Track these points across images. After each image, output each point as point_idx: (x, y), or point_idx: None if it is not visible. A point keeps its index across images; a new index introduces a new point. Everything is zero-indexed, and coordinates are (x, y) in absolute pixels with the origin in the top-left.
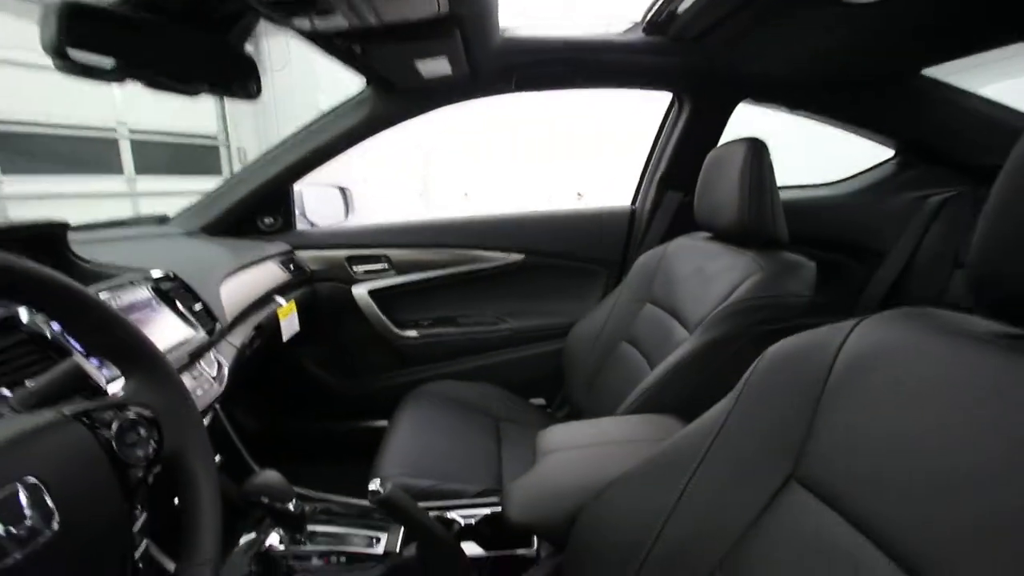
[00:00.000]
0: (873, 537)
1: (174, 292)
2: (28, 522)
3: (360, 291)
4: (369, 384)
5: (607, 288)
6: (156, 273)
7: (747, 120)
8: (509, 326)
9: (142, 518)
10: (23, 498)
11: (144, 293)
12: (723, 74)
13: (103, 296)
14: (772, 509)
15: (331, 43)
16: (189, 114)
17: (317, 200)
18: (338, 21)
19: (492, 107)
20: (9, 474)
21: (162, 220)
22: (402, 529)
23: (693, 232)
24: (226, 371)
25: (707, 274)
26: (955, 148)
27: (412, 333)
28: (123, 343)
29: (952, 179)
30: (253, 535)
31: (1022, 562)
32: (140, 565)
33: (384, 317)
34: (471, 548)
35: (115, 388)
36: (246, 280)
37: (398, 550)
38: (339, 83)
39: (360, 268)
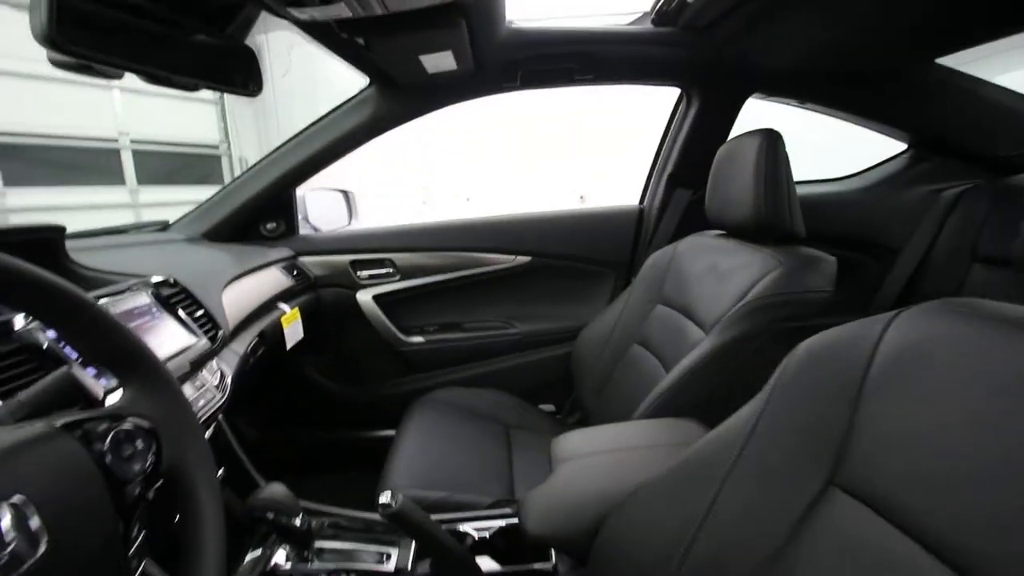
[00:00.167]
0: (922, 539)
1: (175, 299)
2: (11, 547)
3: (365, 296)
4: (375, 392)
5: (616, 290)
6: (156, 279)
7: (753, 122)
8: (517, 330)
9: (140, 537)
10: (6, 520)
11: (144, 299)
12: (733, 66)
13: (102, 303)
14: (812, 515)
15: (333, 37)
16: (191, 124)
17: (320, 205)
18: (340, 10)
19: (490, 105)
20: None
21: (163, 227)
22: (413, 544)
23: (704, 230)
24: (229, 380)
25: (721, 272)
26: (970, 139)
27: (418, 339)
28: (118, 349)
29: (967, 171)
30: (259, 552)
31: None
32: None
33: (389, 323)
34: (486, 563)
35: (113, 400)
36: (249, 286)
37: (410, 566)
38: (345, 92)
39: (364, 273)
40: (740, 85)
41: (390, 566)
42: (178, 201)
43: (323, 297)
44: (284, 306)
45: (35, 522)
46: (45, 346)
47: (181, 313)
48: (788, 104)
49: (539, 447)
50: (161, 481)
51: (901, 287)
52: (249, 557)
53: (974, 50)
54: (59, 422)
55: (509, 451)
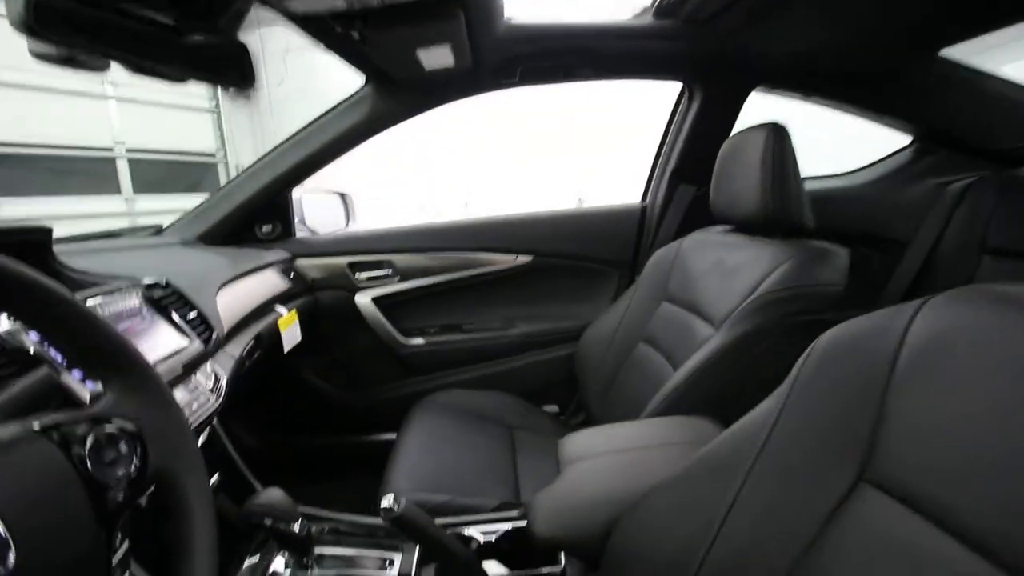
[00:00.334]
0: (955, 532)
1: (167, 300)
2: None
3: (363, 299)
4: (375, 395)
5: (619, 289)
6: (147, 280)
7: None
8: (518, 331)
9: (124, 546)
10: None
11: (134, 301)
12: (735, 60)
13: (89, 304)
14: (841, 513)
15: (327, 31)
16: (187, 132)
17: (317, 207)
18: (336, 2)
19: (482, 102)
20: None
21: (158, 231)
22: (417, 549)
23: (709, 227)
24: (224, 383)
25: (729, 267)
26: (976, 132)
27: (418, 341)
28: (99, 347)
29: (974, 164)
30: (256, 559)
31: None
32: None
33: (389, 325)
34: (493, 567)
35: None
36: (244, 289)
37: (414, 572)
38: (342, 98)
39: (363, 275)
40: (743, 79)
41: (393, 572)
42: (175, 210)
43: (321, 300)
44: (281, 309)
45: (3, 532)
46: (32, 350)
47: (174, 315)
48: (792, 98)
49: (544, 449)
50: (149, 488)
51: (909, 281)
52: (246, 564)
53: (978, 42)
54: (35, 424)
55: (513, 453)
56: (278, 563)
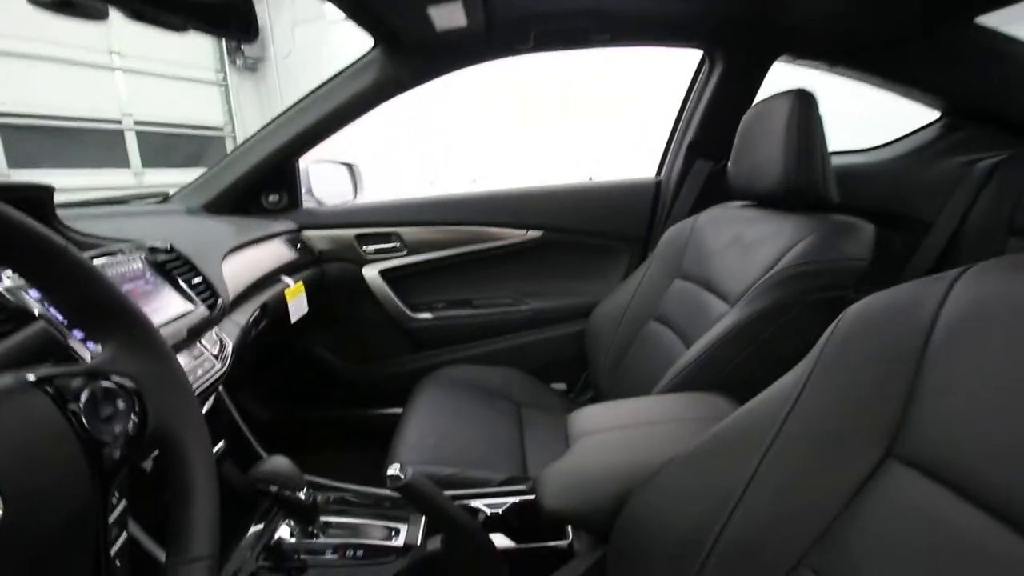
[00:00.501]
0: (991, 508)
1: (171, 265)
2: None
3: (371, 272)
4: (382, 369)
5: (631, 266)
6: (151, 244)
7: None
8: (528, 307)
9: (120, 507)
10: None
11: (137, 264)
12: (758, 26)
13: None
14: (868, 490)
15: None
16: (195, 105)
17: (324, 178)
18: None
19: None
20: None
21: (164, 199)
22: (423, 520)
23: (726, 202)
24: (229, 350)
25: (747, 242)
26: (1010, 105)
27: (426, 315)
28: (96, 300)
29: (1004, 141)
30: (261, 527)
31: None
32: (118, 563)
33: (396, 299)
34: (499, 540)
35: None
36: (250, 258)
37: (419, 542)
38: None
39: (370, 247)
40: (766, 46)
41: (399, 541)
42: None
43: (328, 272)
44: (288, 279)
45: None
46: (37, 312)
47: (179, 281)
48: (816, 68)
49: (552, 425)
50: (148, 445)
51: (931, 262)
52: (251, 532)
53: (1017, 9)
54: (29, 375)
55: (521, 429)
56: (284, 531)
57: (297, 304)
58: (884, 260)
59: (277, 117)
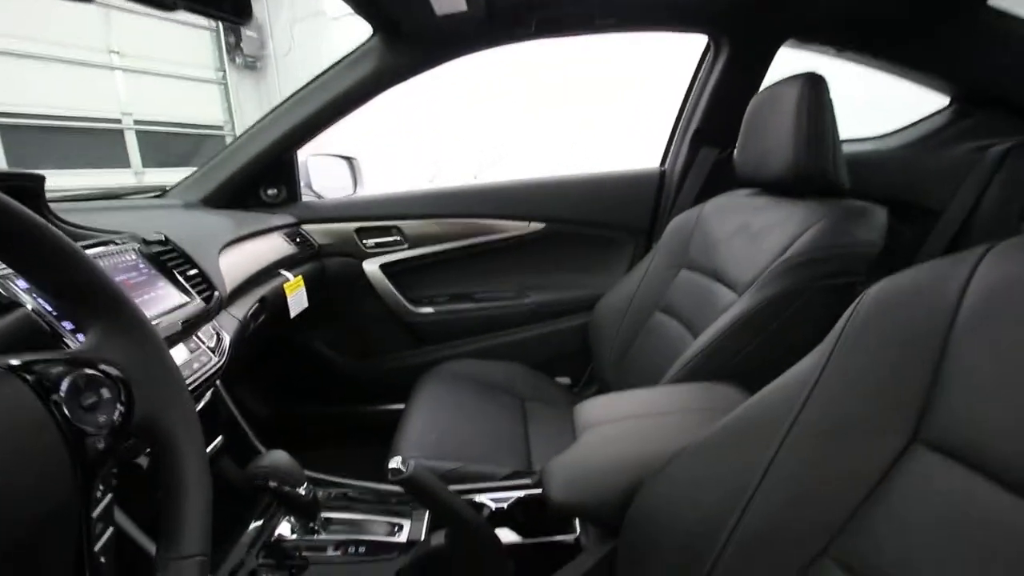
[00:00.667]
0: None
1: (166, 257)
2: None
3: (371, 266)
4: (383, 364)
5: (635, 257)
6: (146, 236)
7: None
8: (530, 300)
9: (105, 500)
10: None
11: (131, 256)
12: (765, 10)
13: None
14: (893, 476)
15: None
16: (194, 104)
17: (323, 171)
18: None
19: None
20: None
21: (161, 193)
22: (427, 515)
23: (732, 191)
24: (227, 344)
25: (755, 230)
26: (1021, 90)
27: (428, 310)
28: (77, 282)
29: (1015, 126)
30: (261, 523)
31: None
32: (103, 559)
33: (397, 293)
34: (505, 535)
35: None
36: (248, 251)
37: (423, 538)
38: None
39: (371, 241)
40: (773, 31)
41: (402, 537)
42: None
43: (328, 266)
44: (287, 273)
45: None
46: (29, 306)
47: (175, 273)
48: (824, 53)
49: (556, 420)
50: (133, 437)
51: (943, 251)
52: (251, 528)
53: None
54: (7, 360)
55: (525, 423)
56: (284, 527)
57: (297, 298)
58: (893, 250)
59: (274, 109)
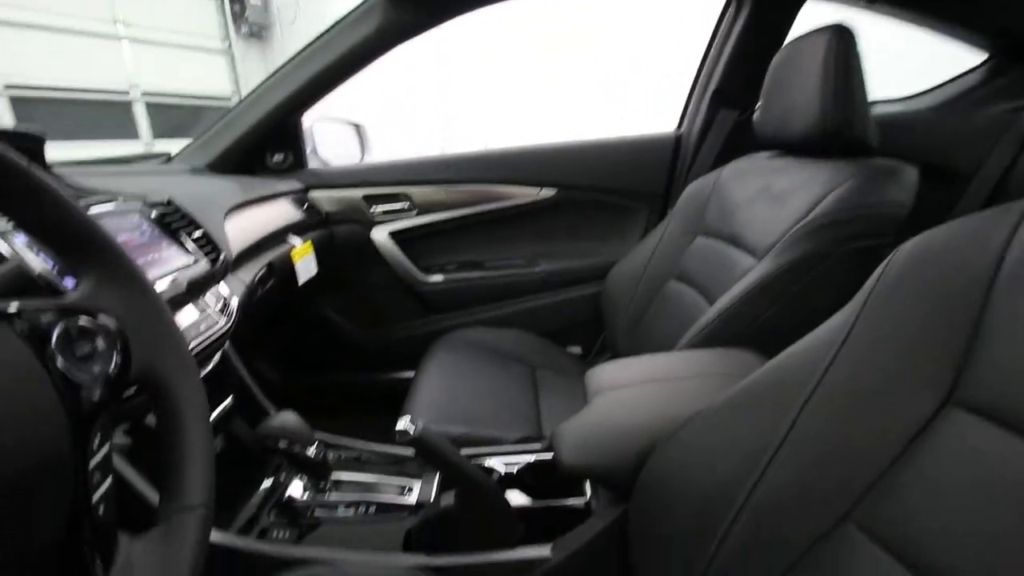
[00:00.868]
0: None
1: (170, 218)
2: None
3: (380, 234)
4: (393, 333)
5: (650, 224)
6: (149, 198)
7: None
8: (541, 269)
9: (102, 451)
10: None
11: (134, 217)
12: None
13: None
14: (927, 437)
15: None
16: (201, 75)
17: (329, 137)
18: None
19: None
20: None
21: (167, 159)
22: (437, 477)
23: (752, 153)
24: (234, 306)
25: (777, 193)
26: None
27: (437, 278)
28: (66, 227)
29: None
30: (270, 482)
31: None
32: (101, 509)
33: (407, 261)
34: (515, 497)
35: None
36: (255, 216)
37: (432, 499)
38: None
39: (379, 208)
40: None
41: (411, 499)
42: None
43: (336, 234)
44: (295, 240)
45: None
46: (38, 272)
47: (179, 234)
48: (852, 5)
49: (567, 388)
50: (131, 388)
51: None
52: (262, 487)
53: None
54: None
55: (535, 391)
56: (295, 487)
57: (305, 264)
58: (921, 214)
59: (277, 70)
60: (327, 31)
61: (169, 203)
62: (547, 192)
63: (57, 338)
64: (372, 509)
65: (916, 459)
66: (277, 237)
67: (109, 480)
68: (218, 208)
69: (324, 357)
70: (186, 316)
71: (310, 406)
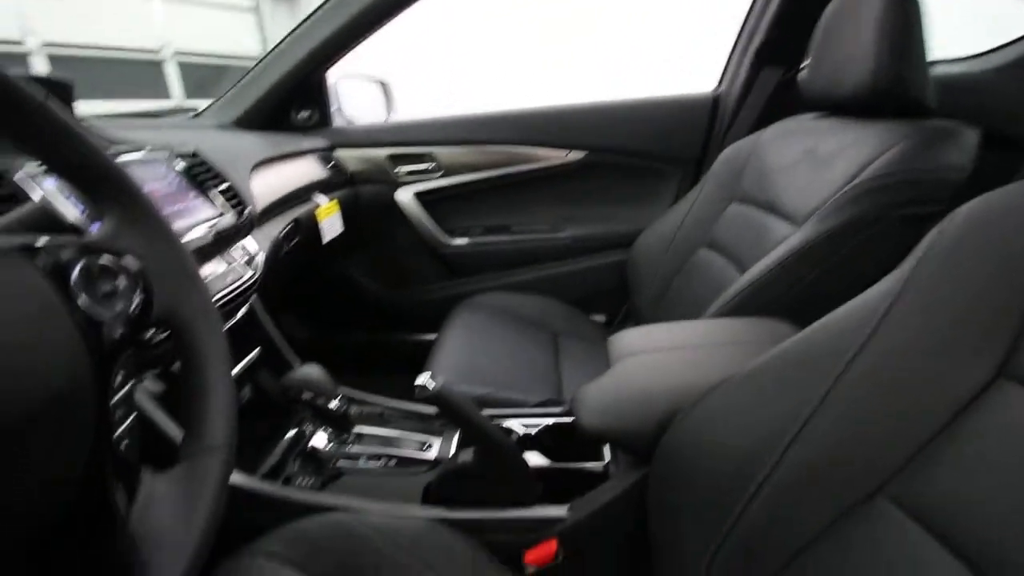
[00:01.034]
0: None
1: (196, 171)
2: None
3: (405, 195)
4: (416, 295)
5: (681, 189)
6: (176, 149)
7: None
8: (568, 234)
9: (125, 388)
10: None
11: (161, 167)
12: None
13: None
14: (972, 413)
15: None
16: (230, 35)
17: (354, 95)
18: None
19: None
20: None
21: (197, 114)
22: (456, 435)
23: (797, 115)
24: (260, 259)
25: (822, 155)
26: None
27: (462, 241)
28: (89, 165)
29: None
30: (294, 432)
31: None
32: (123, 446)
33: (431, 223)
34: (533, 458)
35: None
36: (281, 172)
37: (451, 455)
38: None
39: (404, 168)
40: None
41: (431, 455)
42: None
43: (361, 194)
44: (321, 198)
45: None
46: (72, 218)
47: (205, 186)
48: None
49: (590, 355)
50: (152, 327)
51: None
52: (286, 437)
53: None
54: (13, 240)
55: (557, 357)
56: (318, 438)
57: (330, 223)
58: (980, 184)
59: (301, 23)
60: None
61: (195, 155)
62: (575, 155)
63: (79, 274)
64: (392, 462)
65: (962, 432)
66: (303, 194)
67: (132, 418)
68: (244, 163)
69: (348, 316)
70: (213, 268)
71: (334, 363)
